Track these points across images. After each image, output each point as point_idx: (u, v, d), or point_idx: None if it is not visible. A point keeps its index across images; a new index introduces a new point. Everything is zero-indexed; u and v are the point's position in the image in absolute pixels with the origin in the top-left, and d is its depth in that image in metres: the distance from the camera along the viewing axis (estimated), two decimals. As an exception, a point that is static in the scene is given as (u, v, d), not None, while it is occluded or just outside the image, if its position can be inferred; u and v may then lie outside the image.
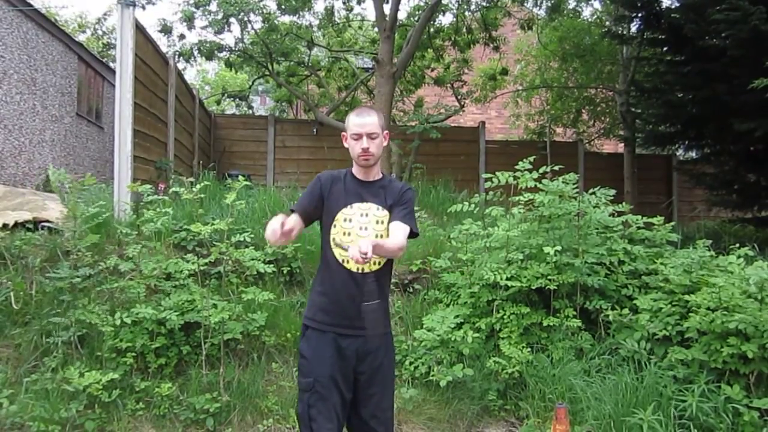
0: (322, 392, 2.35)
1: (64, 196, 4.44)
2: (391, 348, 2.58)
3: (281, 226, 2.17)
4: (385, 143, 2.53)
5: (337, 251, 2.43)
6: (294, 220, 2.33)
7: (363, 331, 2.37)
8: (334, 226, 2.45)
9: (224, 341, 4.03)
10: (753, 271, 3.55)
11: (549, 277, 4.22)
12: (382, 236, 2.43)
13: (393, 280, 4.92)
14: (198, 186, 4.34)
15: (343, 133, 2.54)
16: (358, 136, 2.44)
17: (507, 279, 4.18)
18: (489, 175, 4.61)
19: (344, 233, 2.43)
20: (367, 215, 2.45)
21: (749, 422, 3.26)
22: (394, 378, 2.65)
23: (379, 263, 2.44)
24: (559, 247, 4.18)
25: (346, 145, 2.52)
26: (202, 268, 4.12)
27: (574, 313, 4.22)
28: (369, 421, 2.45)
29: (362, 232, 2.42)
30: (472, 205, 4.64)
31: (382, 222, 2.46)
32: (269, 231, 2.19)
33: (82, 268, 4.16)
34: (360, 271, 2.41)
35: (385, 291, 2.54)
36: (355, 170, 2.54)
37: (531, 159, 4.64)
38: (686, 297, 3.84)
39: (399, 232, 2.39)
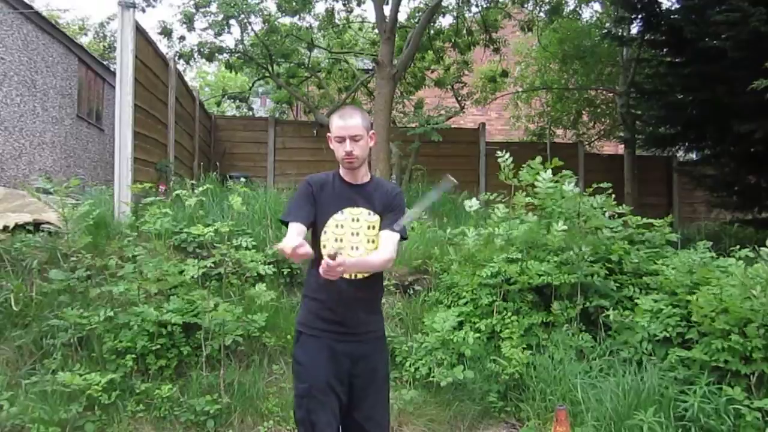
0: (320, 397, 2.34)
1: (52, 200, 4.46)
2: (385, 350, 2.57)
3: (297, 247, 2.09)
4: (371, 144, 2.45)
5: (328, 258, 2.39)
6: (302, 233, 2.29)
7: (357, 337, 2.39)
8: (325, 232, 2.40)
9: (224, 343, 4.03)
10: (755, 272, 3.56)
11: (550, 275, 4.21)
12: (373, 241, 2.41)
13: (393, 282, 4.93)
14: (200, 189, 4.35)
15: (329, 134, 2.47)
16: (342, 139, 2.37)
17: (515, 274, 4.19)
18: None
19: (336, 239, 2.38)
20: (358, 220, 2.41)
21: (750, 423, 3.25)
22: (389, 380, 2.64)
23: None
24: (561, 244, 4.19)
25: (331, 146, 2.45)
26: (202, 270, 4.12)
27: (575, 313, 4.22)
28: (364, 424, 2.44)
29: (353, 238, 2.38)
30: (475, 206, 4.70)
31: (374, 227, 2.42)
32: (287, 248, 2.09)
33: (79, 270, 4.16)
34: (351, 277, 2.38)
35: (377, 293, 2.55)
36: (343, 172, 2.47)
37: (538, 160, 4.68)
38: (687, 297, 3.83)
39: (388, 243, 2.36)
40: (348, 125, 2.38)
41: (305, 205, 2.40)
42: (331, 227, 2.40)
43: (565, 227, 4.37)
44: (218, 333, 3.99)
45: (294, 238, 2.19)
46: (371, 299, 2.50)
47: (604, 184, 4.76)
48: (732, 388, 3.38)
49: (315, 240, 2.43)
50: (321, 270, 2.07)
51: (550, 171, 4.67)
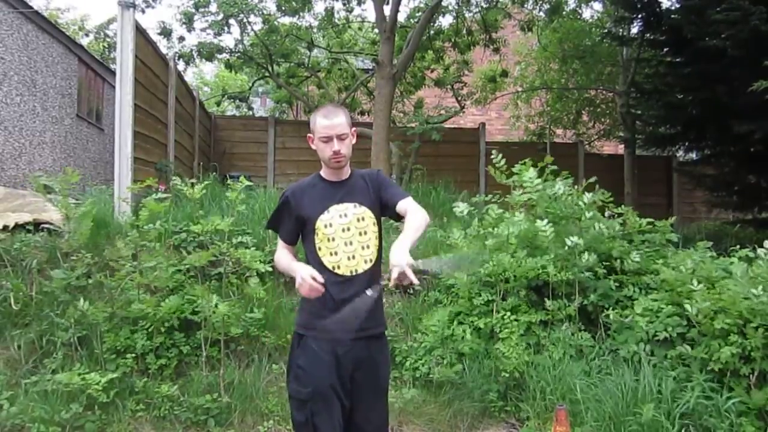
0: (324, 401, 2.32)
1: (55, 199, 4.46)
2: (386, 349, 2.56)
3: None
4: (353, 141, 2.46)
5: (325, 258, 2.38)
6: (291, 252, 2.52)
7: (358, 337, 2.34)
8: (317, 234, 2.40)
9: (225, 342, 4.03)
10: (756, 272, 3.56)
11: (546, 270, 4.20)
12: (365, 233, 2.41)
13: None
14: (199, 186, 4.35)
15: (309, 135, 2.44)
16: (328, 139, 2.35)
17: (513, 272, 4.18)
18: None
19: (328, 239, 2.38)
20: (346, 215, 2.40)
21: (749, 422, 3.25)
22: (389, 380, 2.62)
23: (370, 261, 2.41)
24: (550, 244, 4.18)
25: (313, 146, 2.43)
26: (203, 264, 4.12)
27: (574, 313, 4.22)
28: (364, 425, 2.43)
29: (345, 234, 2.38)
30: (465, 211, 4.72)
31: (363, 219, 2.42)
32: (306, 287, 2.24)
33: (79, 269, 4.16)
34: (351, 274, 2.38)
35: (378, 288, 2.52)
36: (325, 173, 2.48)
37: (545, 163, 4.69)
38: (687, 297, 3.83)
39: (410, 205, 2.38)
40: (334, 124, 2.36)
41: (288, 223, 2.49)
42: (321, 229, 2.40)
43: (553, 229, 4.34)
44: (218, 332, 3.99)
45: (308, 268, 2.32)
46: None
47: (603, 192, 4.75)
48: (732, 388, 3.38)
49: (309, 244, 2.44)
50: (397, 279, 2.10)
51: (545, 171, 4.67)
